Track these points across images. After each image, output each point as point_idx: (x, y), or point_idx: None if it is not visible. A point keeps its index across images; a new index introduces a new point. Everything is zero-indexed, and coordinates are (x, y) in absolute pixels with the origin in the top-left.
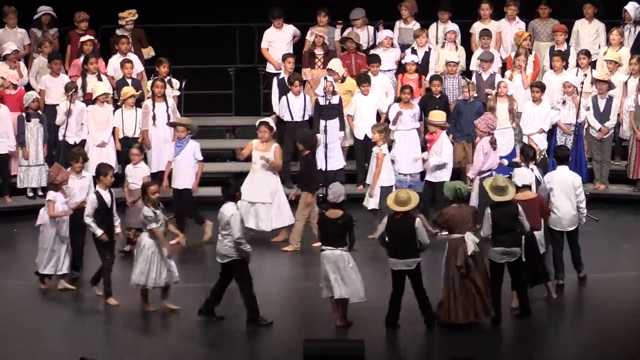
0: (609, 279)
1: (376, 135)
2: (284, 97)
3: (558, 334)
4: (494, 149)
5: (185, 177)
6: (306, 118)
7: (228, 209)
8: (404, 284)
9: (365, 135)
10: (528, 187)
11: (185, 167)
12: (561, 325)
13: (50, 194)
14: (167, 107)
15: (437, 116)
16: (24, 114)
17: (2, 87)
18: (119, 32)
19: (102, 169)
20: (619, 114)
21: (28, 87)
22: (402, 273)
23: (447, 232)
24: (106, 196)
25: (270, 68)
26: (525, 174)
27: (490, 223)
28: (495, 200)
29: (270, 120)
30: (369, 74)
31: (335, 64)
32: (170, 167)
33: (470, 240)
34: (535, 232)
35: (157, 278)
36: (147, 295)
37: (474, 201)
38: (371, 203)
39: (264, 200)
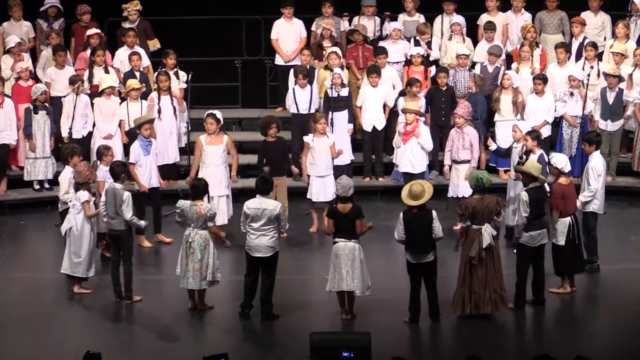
0: (616, 272)
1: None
2: (290, 90)
3: (567, 326)
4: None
5: (155, 176)
6: (312, 110)
7: (272, 204)
8: (421, 277)
9: (374, 127)
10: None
11: (155, 165)
12: (570, 317)
13: (85, 195)
14: (172, 99)
15: (413, 105)
16: (31, 106)
17: (17, 79)
18: (125, 24)
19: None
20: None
21: (35, 80)
22: (420, 266)
23: (469, 223)
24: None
25: (278, 60)
26: (566, 159)
27: (527, 209)
28: (540, 181)
29: (217, 112)
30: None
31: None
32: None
33: (487, 233)
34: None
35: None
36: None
37: (451, 191)
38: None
39: (222, 193)
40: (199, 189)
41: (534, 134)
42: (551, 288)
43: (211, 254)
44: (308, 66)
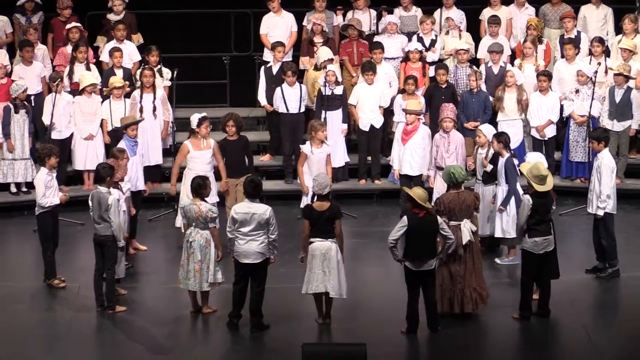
0: (625, 279)
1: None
2: (278, 88)
3: (573, 337)
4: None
5: (140, 179)
6: (302, 109)
7: (261, 208)
8: (420, 286)
9: (371, 126)
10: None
11: (141, 167)
12: (574, 325)
13: (114, 193)
14: (155, 98)
15: (413, 105)
16: (11, 105)
17: None
18: (110, 17)
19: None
20: None
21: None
22: (420, 274)
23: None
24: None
25: (267, 56)
26: (542, 160)
27: (528, 212)
28: (538, 190)
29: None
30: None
31: (323, 52)
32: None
33: (467, 229)
34: None
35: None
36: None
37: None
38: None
39: (212, 201)
40: (198, 187)
41: (502, 136)
42: None
43: (212, 254)
44: (280, 63)
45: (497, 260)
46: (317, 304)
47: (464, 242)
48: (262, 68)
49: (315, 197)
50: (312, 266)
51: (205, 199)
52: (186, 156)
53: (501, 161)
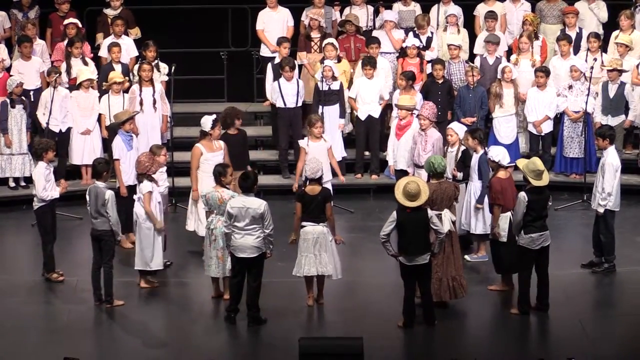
0: (621, 274)
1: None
2: (275, 83)
3: (568, 331)
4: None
5: (133, 173)
6: (299, 104)
7: (255, 202)
8: (416, 280)
9: (369, 116)
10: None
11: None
12: (570, 319)
13: (147, 186)
14: (154, 91)
15: (405, 100)
16: (7, 100)
17: None
18: (107, 12)
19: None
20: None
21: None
22: (414, 269)
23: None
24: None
25: (264, 51)
26: (504, 151)
27: (524, 209)
28: (535, 184)
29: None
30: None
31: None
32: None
33: (447, 219)
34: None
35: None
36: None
37: None
38: None
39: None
40: (219, 174)
41: (476, 132)
42: (489, 286)
43: None
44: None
45: (467, 257)
46: (308, 286)
47: (444, 231)
48: (269, 65)
49: (308, 182)
50: (304, 249)
51: (227, 186)
52: (199, 159)
53: (475, 157)
